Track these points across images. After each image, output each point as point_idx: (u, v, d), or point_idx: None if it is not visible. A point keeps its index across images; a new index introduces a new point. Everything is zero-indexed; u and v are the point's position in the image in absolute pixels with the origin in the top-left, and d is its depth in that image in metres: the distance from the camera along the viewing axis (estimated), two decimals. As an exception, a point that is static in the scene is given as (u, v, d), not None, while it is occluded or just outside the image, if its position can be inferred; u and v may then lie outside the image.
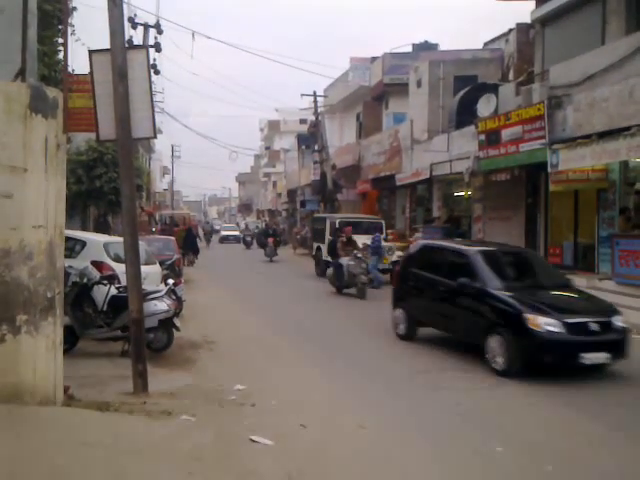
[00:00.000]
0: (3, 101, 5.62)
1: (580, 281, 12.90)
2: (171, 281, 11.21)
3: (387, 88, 30.57)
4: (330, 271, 18.22)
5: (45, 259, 5.81)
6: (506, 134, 16.44)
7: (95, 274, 9.95)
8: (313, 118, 35.28)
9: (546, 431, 6.60)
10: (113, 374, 8.09)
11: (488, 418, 7.02)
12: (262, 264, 28.59)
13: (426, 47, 31.69)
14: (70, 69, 8.45)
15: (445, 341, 10.57)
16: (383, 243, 20.42)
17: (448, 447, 6.08)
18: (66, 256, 7.42)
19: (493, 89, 19.48)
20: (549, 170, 14.46)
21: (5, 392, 5.57)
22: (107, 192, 20.97)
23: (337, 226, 21.95)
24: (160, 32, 24.10)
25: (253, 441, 5.81)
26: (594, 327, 8.49)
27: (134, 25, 23.54)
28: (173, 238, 21.20)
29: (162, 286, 11.10)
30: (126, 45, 7.77)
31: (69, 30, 9.17)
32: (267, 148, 75.81)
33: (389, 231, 23.96)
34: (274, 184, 65.94)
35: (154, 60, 24.05)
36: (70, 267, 9.40)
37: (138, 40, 23.43)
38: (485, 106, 18.94)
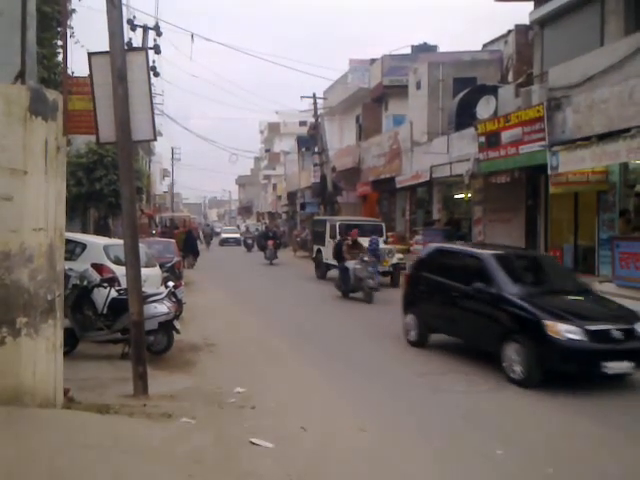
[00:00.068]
0: (3, 103, 5.62)
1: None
2: (171, 284, 11.20)
3: (386, 90, 30.60)
4: (327, 273, 18.14)
5: (45, 262, 5.81)
6: (506, 136, 16.44)
7: (95, 277, 9.94)
8: (313, 120, 35.31)
9: (546, 433, 6.59)
10: (113, 376, 8.09)
11: (488, 420, 7.01)
12: (262, 267, 28.59)
13: (425, 49, 31.74)
14: (70, 71, 8.45)
15: (457, 347, 10.28)
16: (382, 245, 20.37)
17: (448, 449, 6.08)
18: (66, 259, 7.43)
19: (492, 91, 19.48)
20: (549, 172, 14.46)
21: (5, 394, 5.57)
22: (107, 194, 20.99)
23: (337, 229, 21.97)
24: (159, 34, 24.13)
25: (253, 443, 5.81)
26: (617, 335, 8.09)
27: (133, 27, 23.57)
28: (173, 241, 21.20)
29: (162, 289, 11.08)
30: (125, 47, 7.78)
31: (68, 32, 9.17)
32: (267, 150, 75.84)
33: (389, 233, 23.96)
34: (274, 186, 65.97)
35: (153, 62, 24.11)
36: (70, 270, 9.40)
37: (137, 42, 23.48)
38: (484, 108, 18.96)
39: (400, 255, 20.56)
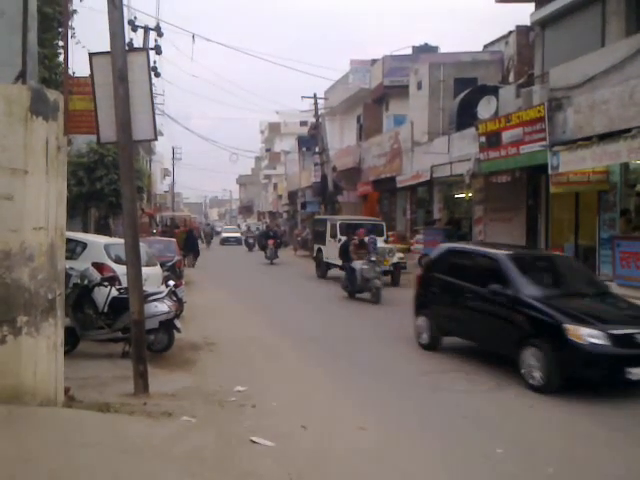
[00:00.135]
0: (4, 103, 5.64)
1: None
2: (172, 283, 11.23)
3: (387, 90, 30.62)
4: (328, 273, 18.07)
5: (46, 261, 5.82)
6: (506, 136, 16.44)
7: (96, 276, 9.95)
8: (314, 120, 35.32)
9: (547, 433, 6.60)
10: (114, 375, 8.10)
11: (489, 420, 7.02)
12: (263, 266, 28.58)
13: (426, 49, 31.75)
14: (70, 72, 8.46)
15: (470, 350, 10.00)
16: (383, 245, 20.35)
17: (449, 448, 6.08)
18: (67, 258, 7.45)
19: (493, 91, 19.49)
20: (550, 172, 14.46)
21: (6, 393, 5.58)
22: (108, 194, 21.03)
23: (338, 228, 21.98)
24: (160, 35, 24.19)
25: (253, 442, 5.82)
26: None
27: (134, 28, 23.62)
28: (174, 240, 21.22)
29: (163, 288, 11.10)
30: (126, 48, 7.80)
31: (69, 33, 9.19)
32: (268, 150, 75.85)
33: (390, 233, 23.97)
34: (275, 186, 65.97)
35: (154, 62, 24.12)
36: (71, 269, 9.41)
37: (138, 43, 23.55)
38: (485, 108, 18.97)
39: (401, 254, 20.56)
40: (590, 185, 14.72)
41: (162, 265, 14.59)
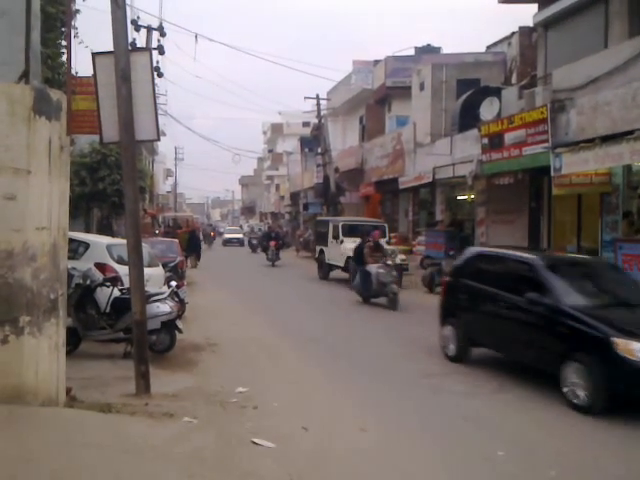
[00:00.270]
0: (7, 103, 5.64)
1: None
2: (174, 283, 11.24)
3: (390, 91, 30.62)
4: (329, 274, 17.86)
5: (48, 261, 5.83)
6: (509, 137, 16.43)
7: (98, 276, 9.96)
8: (316, 121, 35.33)
9: (548, 435, 6.59)
10: (115, 376, 8.10)
11: (489, 421, 7.01)
12: (265, 268, 28.51)
13: (429, 50, 31.75)
14: (73, 71, 8.45)
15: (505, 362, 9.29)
16: (385, 246, 20.31)
17: (450, 450, 6.08)
18: (69, 258, 7.45)
19: (496, 92, 19.49)
20: (552, 174, 14.45)
21: (7, 393, 5.58)
22: (110, 194, 21.07)
23: (340, 229, 21.95)
24: (163, 35, 24.20)
25: (255, 443, 5.81)
26: None
27: (137, 28, 23.62)
28: (176, 240, 21.23)
29: (165, 288, 11.11)
30: (129, 48, 7.79)
31: (72, 32, 9.18)
32: (270, 151, 75.94)
33: (392, 234, 23.97)
34: (277, 187, 66.07)
35: (157, 63, 24.10)
36: (73, 269, 9.42)
37: (141, 43, 23.54)
38: (488, 109, 18.96)
39: (403, 256, 20.54)
40: (592, 187, 14.71)
41: (164, 266, 14.60)
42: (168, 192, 68.83)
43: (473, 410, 7.37)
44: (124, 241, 8.60)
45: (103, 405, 6.42)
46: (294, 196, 50.67)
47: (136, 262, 7.49)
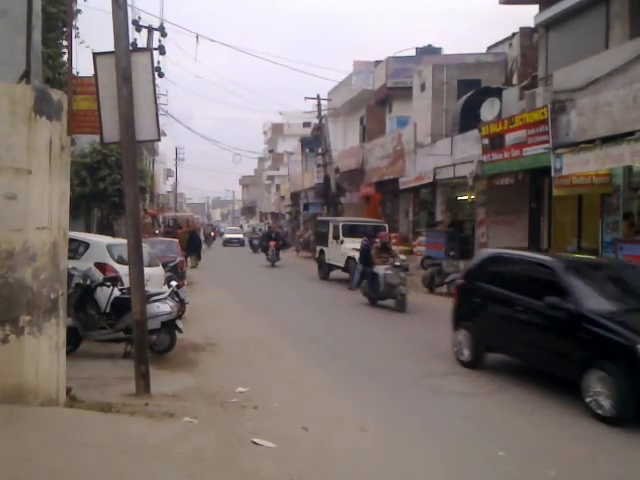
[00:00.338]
0: (8, 103, 5.65)
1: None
2: (174, 283, 11.24)
3: (391, 92, 30.63)
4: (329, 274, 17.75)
5: (49, 260, 5.83)
6: (510, 138, 16.44)
7: (98, 276, 9.96)
8: (317, 121, 35.35)
9: (548, 435, 6.59)
10: (115, 375, 8.10)
11: (490, 422, 7.01)
12: (264, 268, 28.47)
13: (430, 51, 31.76)
14: (74, 71, 8.46)
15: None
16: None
17: (450, 450, 6.08)
18: (69, 258, 7.46)
19: (497, 93, 19.51)
20: (553, 175, 14.46)
21: (8, 392, 5.59)
22: (111, 194, 21.06)
23: (341, 229, 21.96)
24: (164, 35, 24.20)
25: (255, 443, 5.82)
26: None
27: (138, 28, 23.62)
28: (176, 240, 21.24)
29: (165, 288, 11.11)
30: (130, 48, 7.80)
31: (73, 33, 9.19)
32: (271, 151, 75.96)
33: (392, 235, 23.96)
34: (277, 187, 66.08)
35: (158, 63, 24.13)
36: (73, 269, 9.42)
37: (142, 43, 23.52)
38: (489, 110, 18.97)
39: (403, 257, 20.52)
40: (593, 188, 14.72)
41: (164, 265, 14.60)
42: (168, 192, 68.85)
43: (473, 410, 7.37)
44: (124, 241, 8.60)
45: (103, 405, 6.42)
46: (294, 196, 50.67)
47: (136, 262, 7.49)
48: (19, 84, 6.09)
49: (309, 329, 12.66)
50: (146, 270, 8.18)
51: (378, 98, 32.48)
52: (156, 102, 7.55)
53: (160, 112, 8.88)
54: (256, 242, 40.03)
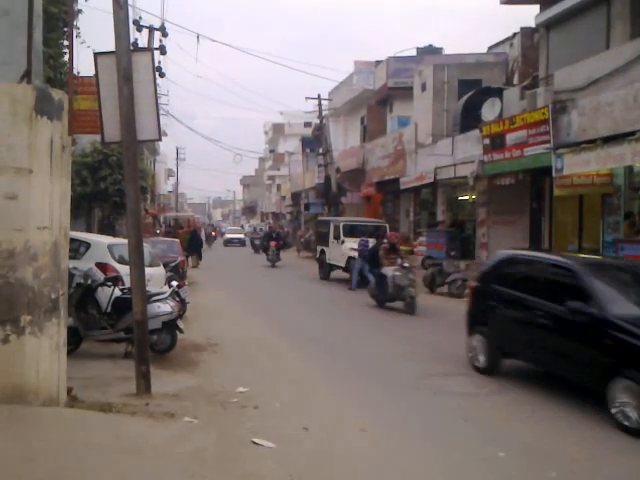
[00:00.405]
0: (9, 103, 5.65)
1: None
2: (175, 283, 11.24)
3: (391, 92, 30.62)
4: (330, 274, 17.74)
5: (49, 260, 5.83)
6: (511, 138, 16.44)
7: (99, 276, 9.96)
8: (317, 121, 35.33)
9: (548, 436, 6.59)
10: (116, 375, 8.10)
11: (490, 422, 7.01)
12: (265, 268, 28.44)
13: (430, 51, 31.75)
14: (75, 71, 8.48)
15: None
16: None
17: (450, 451, 6.07)
18: (70, 257, 7.46)
19: (497, 93, 19.51)
20: (554, 175, 14.46)
21: (8, 392, 5.59)
22: (112, 194, 21.05)
23: (341, 229, 21.95)
24: (165, 35, 24.22)
25: (255, 444, 5.82)
26: None
27: (139, 28, 23.65)
28: (177, 240, 21.25)
29: (166, 288, 11.11)
30: (131, 48, 7.80)
31: (74, 32, 9.20)
32: (271, 151, 75.98)
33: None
34: (278, 187, 66.08)
35: (159, 63, 24.22)
36: (74, 268, 9.43)
37: (143, 43, 23.54)
38: (490, 110, 18.97)
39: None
40: (594, 188, 14.71)
41: (165, 265, 14.60)
42: (169, 192, 68.84)
43: (474, 411, 7.36)
44: (125, 241, 8.61)
45: (104, 405, 6.43)
46: (295, 196, 50.66)
47: (137, 262, 7.50)
48: (20, 84, 6.09)
49: (309, 329, 12.66)
50: (147, 270, 8.18)
51: (379, 98, 32.48)
52: (157, 102, 7.56)
53: (161, 112, 8.88)
54: (257, 242, 39.87)
